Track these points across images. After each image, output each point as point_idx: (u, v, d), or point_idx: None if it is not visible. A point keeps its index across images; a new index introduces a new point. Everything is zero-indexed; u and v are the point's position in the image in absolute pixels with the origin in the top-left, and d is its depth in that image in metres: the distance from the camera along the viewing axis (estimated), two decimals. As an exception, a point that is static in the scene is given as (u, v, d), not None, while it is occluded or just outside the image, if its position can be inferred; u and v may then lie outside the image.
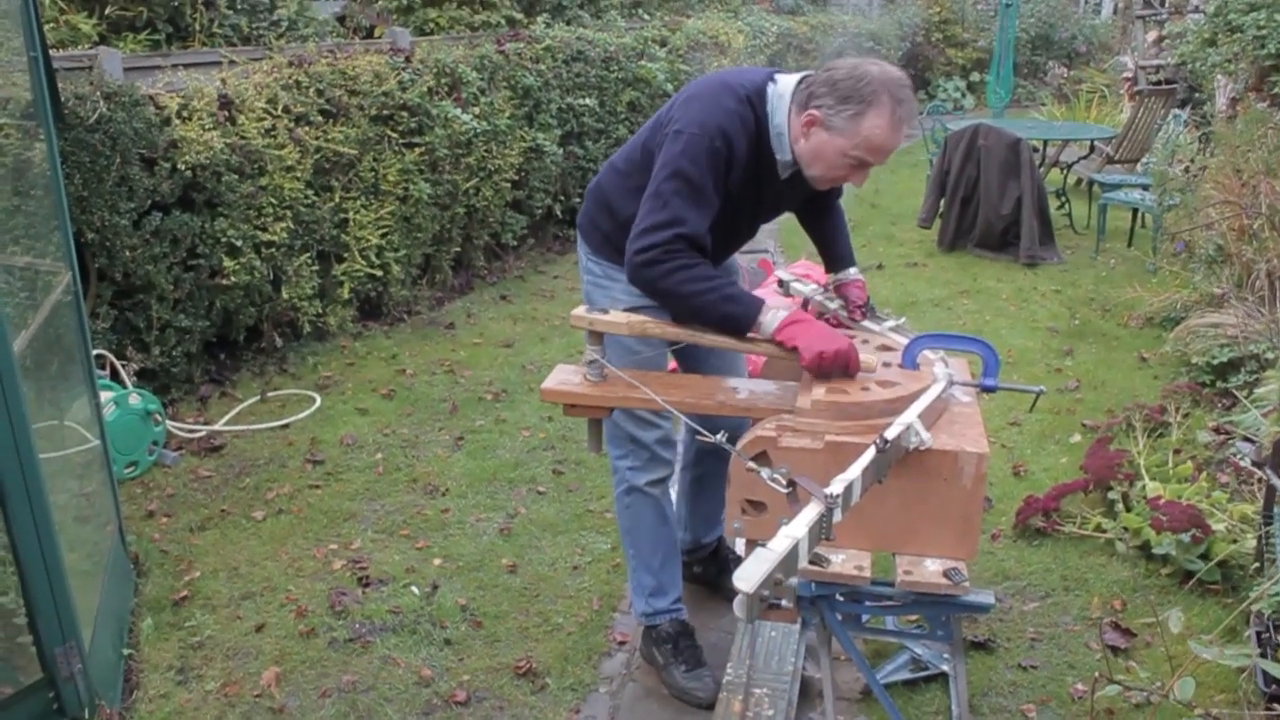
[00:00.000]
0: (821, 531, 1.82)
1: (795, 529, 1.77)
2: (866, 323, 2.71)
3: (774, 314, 2.36)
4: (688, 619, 2.97)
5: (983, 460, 2.14)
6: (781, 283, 3.04)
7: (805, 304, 2.93)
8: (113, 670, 2.87)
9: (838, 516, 1.86)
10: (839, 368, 2.30)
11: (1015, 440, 4.41)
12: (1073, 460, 4.11)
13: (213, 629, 3.15)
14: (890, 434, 2.02)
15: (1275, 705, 2.22)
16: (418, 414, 4.73)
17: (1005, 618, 3.20)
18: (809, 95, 2.37)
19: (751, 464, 2.03)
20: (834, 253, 2.89)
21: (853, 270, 2.85)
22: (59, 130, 3.63)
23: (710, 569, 3.32)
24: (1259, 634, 2.59)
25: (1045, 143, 8.62)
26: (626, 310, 2.48)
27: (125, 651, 3.01)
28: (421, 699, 2.85)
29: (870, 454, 1.97)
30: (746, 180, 2.48)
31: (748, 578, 1.64)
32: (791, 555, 1.72)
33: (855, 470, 1.93)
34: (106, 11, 5.39)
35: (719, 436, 2.08)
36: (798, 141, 2.43)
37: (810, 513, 1.81)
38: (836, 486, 1.86)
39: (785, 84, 2.46)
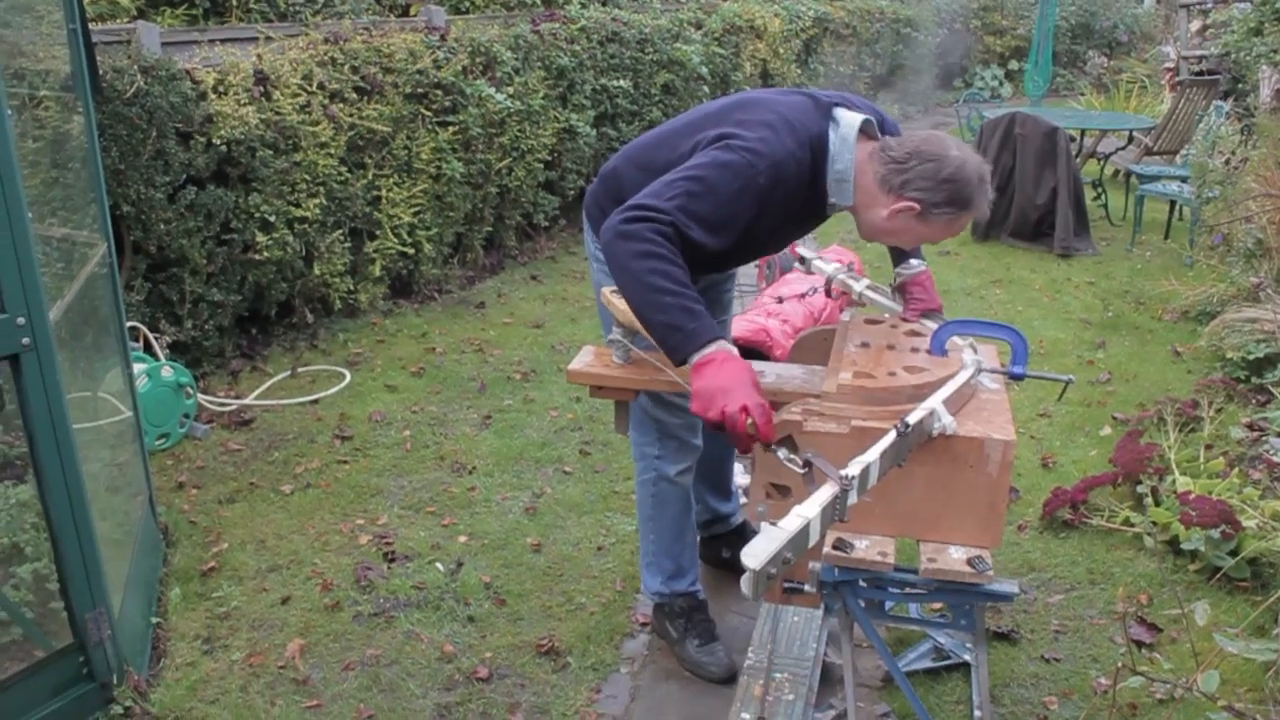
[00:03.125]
0: (835, 513, 1.82)
1: (807, 509, 1.76)
2: (926, 320, 2.63)
3: (717, 345, 2.12)
4: (704, 596, 2.99)
5: (1009, 447, 2.12)
6: (802, 259, 3.00)
7: (828, 283, 2.90)
8: (141, 638, 2.91)
9: (853, 498, 1.85)
10: (722, 432, 2.05)
11: (1044, 431, 4.38)
12: (1102, 453, 4.08)
13: (239, 600, 3.19)
14: (912, 419, 2.01)
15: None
16: (446, 392, 4.75)
17: (1030, 609, 3.18)
18: (904, 180, 2.27)
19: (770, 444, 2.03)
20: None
21: (915, 262, 2.68)
22: (97, 103, 3.67)
23: (739, 548, 3.25)
24: (1287, 631, 2.56)
25: (1083, 132, 8.53)
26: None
27: (153, 620, 3.05)
28: (444, 674, 2.87)
29: (890, 437, 1.96)
30: (788, 214, 2.40)
31: (755, 554, 1.65)
32: (802, 535, 1.72)
33: (874, 453, 1.92)
34: (145, -14, 5.43)
35: None
36: (881, 217, 2.34)
37: (824, 493, 1.81)
38: (853, 468, 1.85)
39: (848, 126, 2.36)
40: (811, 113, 2.38)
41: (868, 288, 2.77)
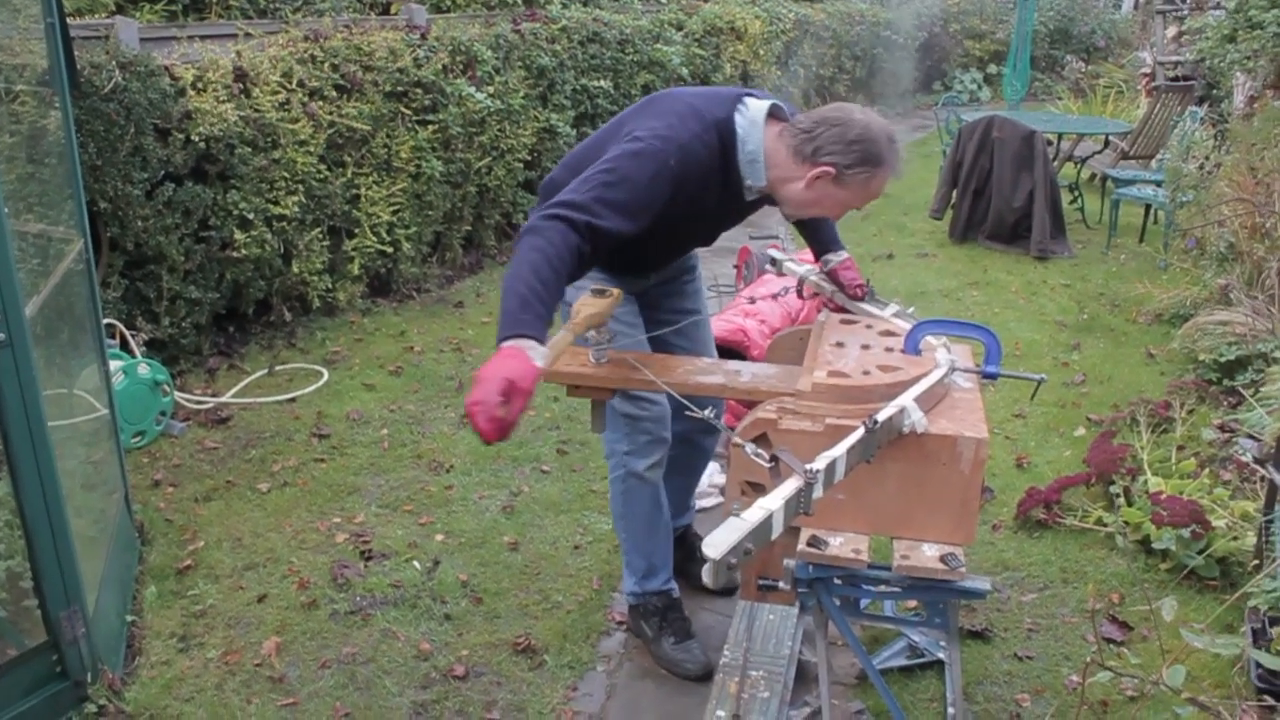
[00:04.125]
0: (799, 506, 1.84)
1: (770, 501, 1.79)
2: (867, 305, 2.73)
3: (512, 343, 2.11)
4: (678, 594, 3.03)
5: (981, 445, 2.15)
6: (774, 261, 3.07)
7: (800, 285, 2.95)
8: (115, 635, 2.90)
9: (819, 492, 1.87)
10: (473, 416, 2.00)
11: (1019, 432, 4.42)
12: (1076, 453, 4.11)
13: (215, 598, 3.18)
14: (881, 416, 2.04)
15: (1266, 697, 2.23)
16: (424, 391, 4.75)
17: (1003, 608, 3.21)
18: (815, 148, 2.37)
19: (737, 439, 2.05)
20: (818, 237, 2.89)
21: (841, 252, 2.85)
22: (74, 98, 3.65)
23: (677, 554, 3.27)
24: (1254, 629, 2.60)
25: (1060, 136, 8.59)
26: (592, 292, 2.44)
27: (128, 618, 3.04)
28: (420, 672, 2.87)
29: (859, 433, 1.99)
30: (707, 200, 2.50)
31: (716, 544, 1.67)
32: (764, 526, 1.75)
33: (840, 448, 1.94)
34: (124, -19, 5.40)
35: (707, 413, 2.10)
36: (796, 190, 2.44)
37: (788, 486, 1.83)
38: (819, 463, 1.88)
39: (755, 110, 2.47)
40: (719, 101, 2.50)
41: (836, 291, 2.84)
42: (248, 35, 5.20)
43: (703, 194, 2.48)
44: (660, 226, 2.43)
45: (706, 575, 1.68)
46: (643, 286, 2.89)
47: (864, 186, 2.42)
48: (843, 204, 2.48)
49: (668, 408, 2.83)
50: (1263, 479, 3.14)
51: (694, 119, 2.44)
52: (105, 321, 3.88)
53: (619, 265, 2.70)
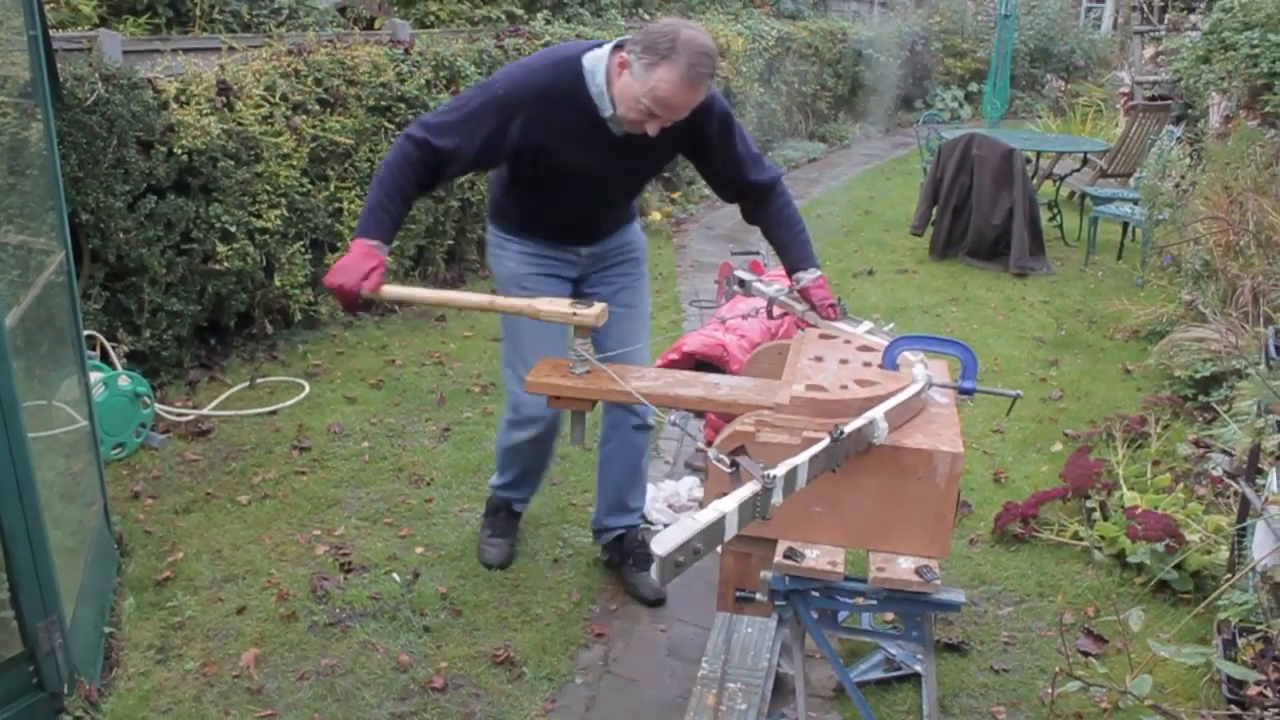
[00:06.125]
0: (755, 510, 1.86)
1: (725, 503, 1.81)
2: (841, 324, 2.75)
3: (358, 240, 2.66)
4: (520, 511, 3.53)
5: (956, 460, 2.17)
6: (742, 283, 3.10)
7: (770, 306, 2.97)
8: (93, 647, 2.89)
9: (777, 498, 1.89)
10: (340, 298, 2.63)
11: (997, 447, 4.45)
12: (1054, 468, 4.15)
13: (194, 610, 3.18)
14: (848, 427, 2.06)
15: (1233, 707, 2.26)
16: (405, 404, 4.75)
17: (980, 621, 3.23)
18: (627, 41, 2.63)
19: (701, 445, 2.09)
20: (791, 254, 2.92)
21: (813, 270, 2.86)
22: (56, 110, 3.65)
23: (615, 556, 3.42)
24: (1224, 641, 2.62)
25: (1039, 154, 8.67)
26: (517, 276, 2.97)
27: (106, 629, 3.03)
28: (399, 684, 2.88)
29: (824, 443, 2.01)
30: (575, 139, 2.72)
31: (663, 542, 1.69)
32: (716, 527, 1.77)
33: (803, 456, 1.97)
34: (107, -6, 5.40)
35: (670, 417, 2.16)
36: (614, 86, 2.65)
37: (745, 490, 1.85)
38: (780, 469, 1.90)
39: (604, 49, 2.69)
40: (576, 47, 2.75)
41: (808, 310, 2.87)
42: (231, 49, 5.21)
43: (565, 131, 2.70)
44: (541, 168, 2.77)
45: (654, 571, 1.71)
46: (577, 266, 3.08)
47: (648, 78, 2.53)
48: (636, 98, 2.57)
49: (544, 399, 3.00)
50: (1235, 493, 3.18)
51: (540, 59, 2.77)
52: (86, 333, 3.87)
53: (541, 229, 2.98)
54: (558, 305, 2.56)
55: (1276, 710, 1.42)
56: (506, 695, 2.85)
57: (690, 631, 3.16)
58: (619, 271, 3.16)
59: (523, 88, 2.68)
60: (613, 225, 3.12)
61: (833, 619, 2.61)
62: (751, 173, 2.91)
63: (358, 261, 2.61)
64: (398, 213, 2.73)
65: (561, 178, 2.82)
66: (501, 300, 2.71)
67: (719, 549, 2.37)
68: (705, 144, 2.86)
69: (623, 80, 2.61)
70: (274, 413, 4.59)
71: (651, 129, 2.64)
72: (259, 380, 4.92)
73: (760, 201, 2.96)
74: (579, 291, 3.10)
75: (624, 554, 3.38)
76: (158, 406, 4.37)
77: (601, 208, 3.05)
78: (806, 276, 2.84)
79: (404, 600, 3.24)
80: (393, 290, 2.75)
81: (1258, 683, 1.53)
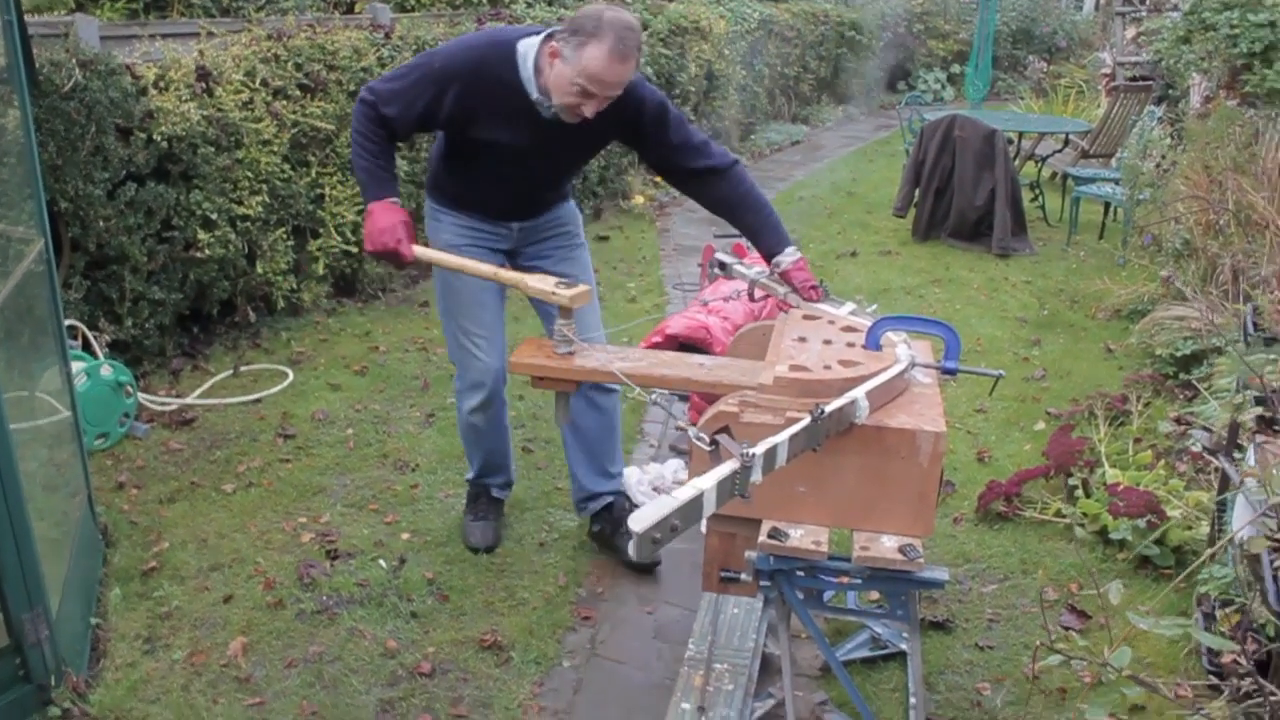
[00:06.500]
0: (735, 488, 1.87)
1: (703, 481, 1.81)
2: (824, 305, 2.75)
3: (376, 202, 2.85)
4: (501, 498, 3.59)
5: (940, 439, 2.18)
6: (723, 265, 3.10)
7: (751, 289, 2.97)
8: (80, 638, 2.88)
9: (757, 476, 1.90)
10: (389, 259, 2.85)
11: (981, 427, 4.47)
12: (1036, 447, 4.17)
13: (180, 599, 3.17)
14: (830, 406, 2.07)
15: (1212, 678, 2.28)
16: (389, 390, 4.74)
17: (964, 599, 3.26)
18: (555, 32, 2.74)
19: (682, 423, 2.10)
20: (763, 238, 2.91)
21: (789, 250, 2.85)
22: (33, 97, 3.62)
23: (606, 525, 3.45)
24: (1205, 614, 2.65)
25: (1021, 135, 8.69)
26: (451, 247, 3.04)
27: (93, 620, 3.02)
28: (387, 670, 2.88)
29: (804, 422, 2.02)
30: (500, 113, 2.83)
31: (641, 519, 1.70)
32: (694, 505, 1.77)
33: (783, 435, 1.97)
34: (83, -20, 5.36)
35: (651, 396, 2.20)
36: (546, 76, 2.75)
37: (724, 468, 1.85)
38: (759, 447, 1.90)
39: (539, 37, 2.80)
40: (513, 31, 2.86)
41: (790, 292, 2.86)
42: (210, 34, 5.18)
43: (495, 108, 2.81)
44: (472, 141, 2.89)
45: (631, 548, 1.73)
46: (508, 240, 3.17)
47: (578, 58, 2.63)
48: (569, 80, 2.66)
49: (492, 365, 3.19)
50: (1215, 469, 3.21)
51: (476, 37, 2.91)
52: (67, 323, 3.85)
53: (473, 203, 3.08)
54: (544, 283, 2.65)
55: (1250, 676, 1.44)
56: (494, 679, 2.86)
57: (677, 613, 3.17)
58: (554, 245, 3.24)
59: (455, 63, 2.82)
60: (544, 204, 3.21)
61: (818, 599, 2.63)
62: (692, 160, 2.93)
63: (388, 219, 2.82)
64: (391, 166, 2.93)
65: (492, 154, 2.94)
66: (505, 273, 2.82)
67: (703, 530, 2.38)
68: (638, 134, 2.94)
69: (555, 69, 2.71)
70: (258, 401, 4.58)
71: (589, 110, 2.72)
72: (242, 368, 4.90)
73: (712, 188, 2.96)
74: (515, 265, 3.19)
75: (615, 522, 3.39)
76: (141, 396, 4.35)
77: (531, 187, 3.13)
78: (786, 259, 2.83)
79: (390, 586, 3.25)
80: (421, 251, 2.88)
81: (1233, 651, 1.55)
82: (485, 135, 2.88)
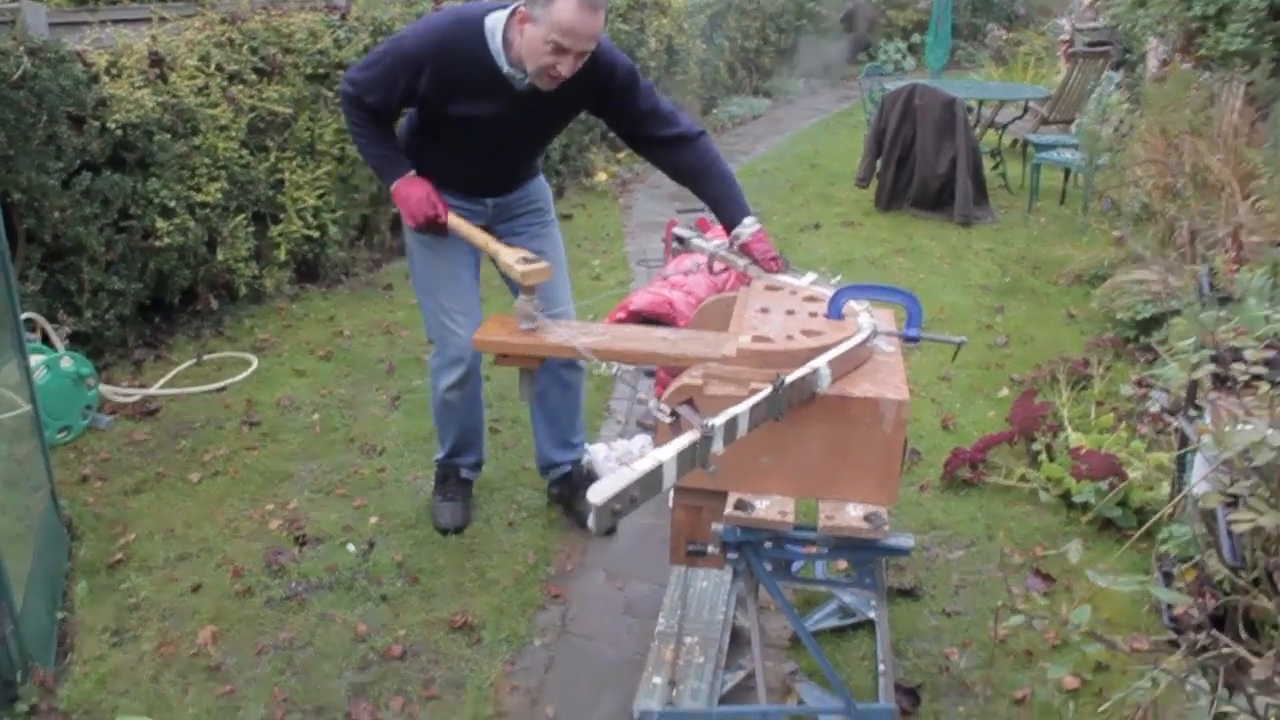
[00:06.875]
0: (695, 459, 1.87)
1: (662, 452, 1.81)
2: (785, 276, 2.76)
3: (398, 180, 2.97)
4: (469, 479, 3.60)
5: (903, 407, 2.20)
6: (681, 239, 3.11)
7: (710, 262, 2.98)
8: (46, 633, 2.86)
9: (718, 447, 1.90)
10: (434, 229, 2.97)
11: (945, 395, 4.51)
12: (1000, 413, 4.21)
13: (148, 590, 3.15)
14: (790, 377, 2.08)
15: (1172, 633, 2.32)
16: (355, 375, 4.72)
17: (931, 566, 3.29)
18: (518, 6, 2.75)
19: (642, 396, 2.10)
20: (725, 208, 2.93)
21: (748, 221, 2.87)
22: (-20, 88, 3.56)
23: (565, 490, 3.56)
24: (1165, 574, 2.69)
25: (980, 103, 8.72)
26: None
27: (59, 615, 3.00)
28: (358, 654, 2.88)
29: (765, 392, 2.02)
30: (473, 87, 2.86)
31: (599, 491, 1.70)
32: (654, 476, 1.78)
33: (744, 406, 1.98)
34: (30, -34, 5.26)
35: (613, 369, 2.20)
36: (517, 46, 2.77)
37: (683, 439, 1.86)
38: (720, 419, 1.91)
39: (506, 12, 2.82)
40: (479, 7, 2.87)
41: (750, 264, 2.86)
42: (162, 19, 5.10)
43: (468, 82, 2.84)
44: (448, 117, 2.92)
45: (590, 520, 1.73)
46: (483, 216, 3.17)
47: (548, 14, 2.64)
48: (543, 39, 2.67)
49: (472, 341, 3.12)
50: (1175, 430, 3.25)
51: (442, 16, 2.92)
52: (25, 316, 3.81)
53: (449, 179, 3.07)
54: (511, 256, 2.73)
55: (1205, 630, 1.47)
56: (465, 660, 2.87)
57: (646, 589, 3.19)
58: (526, 221, 3.27)
59: (424, 42, 2.86)
60: (517, 180, 3.23)
61: (786, 569, 2.65)
62: (660, 128, 2.97)
63: (417, 192, 2.95)
64: (396, 144, 3.04)
65: (467, 129, 2.97)
66: (492, 244, 2.90)
67: (670, 505, 2.39)
68: (609, 100, 2.96)
69: (526, 34, 2.72)
70: (222, 389, 4.55)
71: (565, 68, 2.72)
72: (206, 357, 4.87)
73: (678, 157, 2.99)
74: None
75: (573, 487, 3.51)
76: (103, 387, 4.31)
77: (506, 160, 3.15)
78: (745, 231, 2.84)
79: (360, 570, 3.24)
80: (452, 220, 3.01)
81: (1188, 605, 1.58)
82: (460, 111, 2.91)
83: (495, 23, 2.82)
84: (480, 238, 2.91)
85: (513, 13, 2.79)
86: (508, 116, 2.93)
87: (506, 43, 2.81)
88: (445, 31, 2.86)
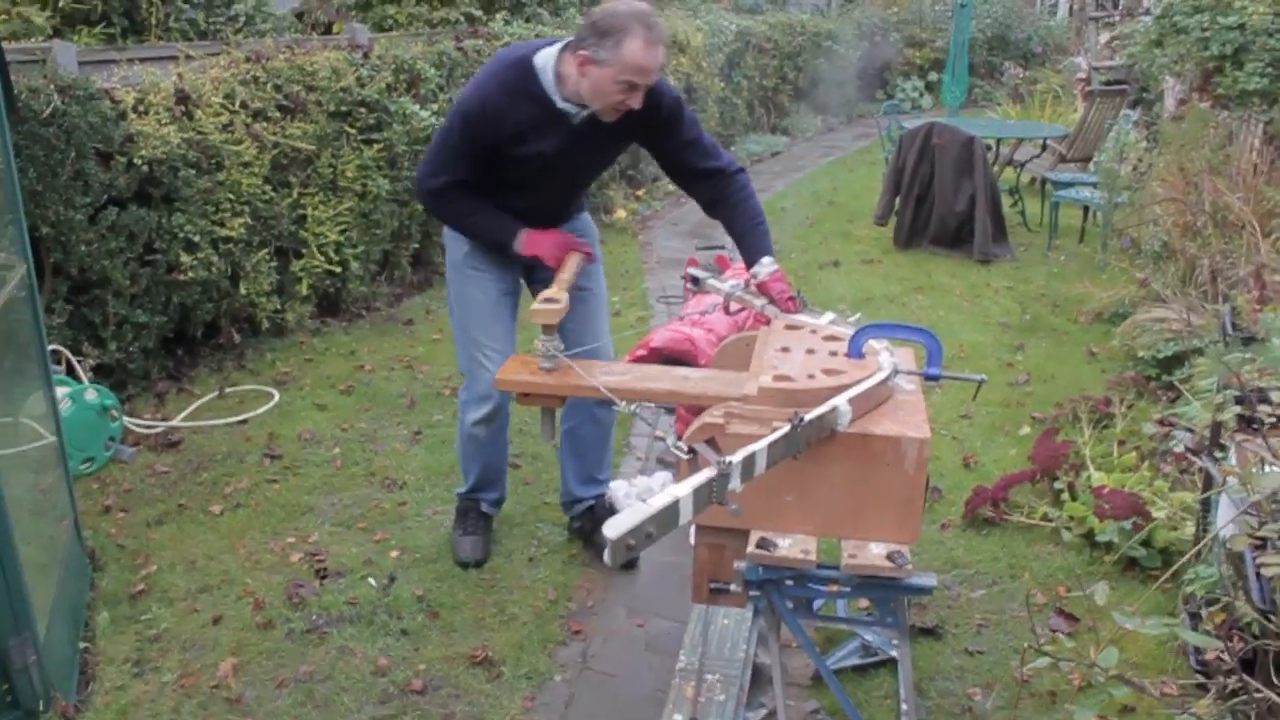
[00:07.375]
0: (712, 495, 1.87)
1: (679, 489, 1.82)
2: (803, 315, 2.75)
3: (519, 234, 3.05)
4: (490, 514, 3.60)
5: (924, 445, 2.20)
6: (695, 280, 3.13)
7: (726, 302, 3.00)
8: (68, 663, 2.87)
9: (735, 484, 1.91)
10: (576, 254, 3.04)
11: (966, 433, 4.50)
12: (1022, 452, 4.19)
13: (170, 621, 3.16)
14: (808, 416, 2.08)
15: (1200, 676, 2.30)
16: (376, 409, 4.74)
17: (954, 605, 3.27)
18: (577, 42, 2.78)
19: (660, 433, 2.11)
20: (748, 245, 2.98)
21: (766, 260, 2.90)
22: (12, 123, 3.61)
23: (587, 523, 3.56)
24: (1190, 614, 2.67)
25: (999, 141, 8.74)
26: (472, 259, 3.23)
27: (81, 645, 3.01)
28: (378, 688, 2.88)
29: (784, 430, 2.03)
30: (533, 131, 2.91)
31: (615, 526, 1.70)
32: (669, 512, 1.78)
33: (762, 443, 1.99)
34: (60, 4, 5.36)
35: (631, 407, 2.23)
36: (579, 85, 2.81)
37: (700, 475, 1.86)
38: (737, 455, 1.92)
39: (554, 47, 2.88)
40: (526, 48, 2.95)
41: (767, 303, 2.88)
42: (189, 57, 5.18)
43: (524, 125, 2.90)
44: (509, 156, 2.94)
45: (606, 555, 1.74)
46: None
47: (619, 56, 2.69)
48: (613, 79, 2.74)
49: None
50: (1199, 469, 3.23)
51: (493, 63, 2.98)
52: (50, 347, 3.84)
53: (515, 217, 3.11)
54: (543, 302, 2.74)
55: (1235, 674, 1.46)
56: (486, 695, 2.86)
57: (667, 625, 3.18)
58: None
59: (481, 91, 2.92)
60: (566, 214, 3.27)
61: (808, 607, 2.64)
62: (703, 160, 3.04)
63: (548, 237, 3.08)
64: (493, 207, 3.09)
65: (525, 164, 2.99)
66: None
67: (691, 542, 2.39)
68: (657, 129, 3.01)
69: (591, 75, 2.76)
70: (244, 422, 4.57)
71: (635, 102, 2.80)
72: (228, 390, 4.90)
73: (717, 191, 3.06)
74: (532, 277, 3.30)
75: (595, 521, 3.49)
76: (126, 419, 4.34)
77: (560, 193, 3.20)
78: (763, 270, 2.87)
79: (380, 604, 3.24)
80: None
81: (1217, 649, 1.57)
82: (520, 148, 2.95)
83: (545, 60, 2.88)
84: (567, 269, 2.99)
85: (564, 49, 2.84)
86: (564, 150, 2.97)
87: (559, 77, 2.86)
88: (498, 76, 2.92)
